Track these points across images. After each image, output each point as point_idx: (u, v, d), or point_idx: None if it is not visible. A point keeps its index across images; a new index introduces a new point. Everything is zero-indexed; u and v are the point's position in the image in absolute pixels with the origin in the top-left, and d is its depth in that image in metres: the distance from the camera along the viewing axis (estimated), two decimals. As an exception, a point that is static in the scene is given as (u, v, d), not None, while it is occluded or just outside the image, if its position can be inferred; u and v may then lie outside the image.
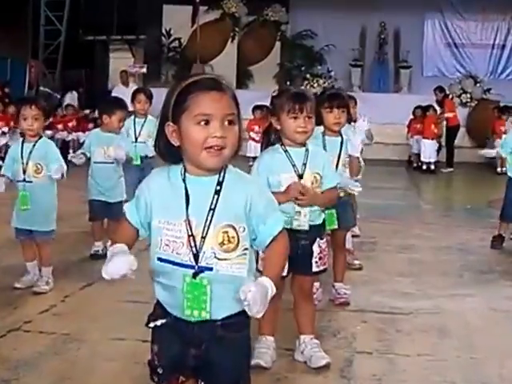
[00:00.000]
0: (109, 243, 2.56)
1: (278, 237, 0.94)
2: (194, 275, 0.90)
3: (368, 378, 1.52)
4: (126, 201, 2.21)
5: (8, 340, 1.70)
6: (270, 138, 1.56)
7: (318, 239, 1.54)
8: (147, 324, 0.97)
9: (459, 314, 2.00)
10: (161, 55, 8.84)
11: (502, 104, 7.07)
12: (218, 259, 0.90)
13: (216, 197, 0.91)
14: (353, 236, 2.63)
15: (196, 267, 0.90)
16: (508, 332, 1.88)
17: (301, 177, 1.50)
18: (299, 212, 1.48)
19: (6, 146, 6.00)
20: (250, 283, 0.88)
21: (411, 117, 7.05)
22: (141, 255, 0.94)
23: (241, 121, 0.93)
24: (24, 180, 2.08)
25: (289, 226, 1.48)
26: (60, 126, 6.96)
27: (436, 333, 1.83)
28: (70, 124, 7.09)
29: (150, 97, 2.99)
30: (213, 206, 0.90)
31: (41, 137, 2.12)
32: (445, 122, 6.80)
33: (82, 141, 3.08)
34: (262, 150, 1.60)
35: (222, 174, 0.92)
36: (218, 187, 0.91)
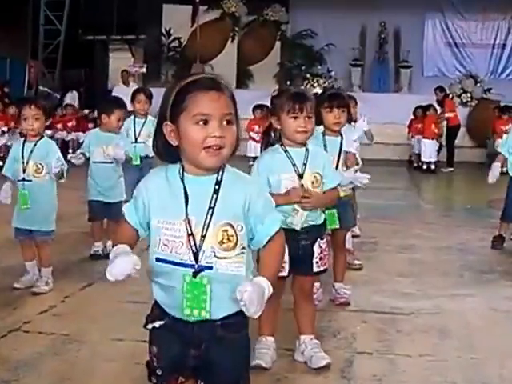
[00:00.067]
0: (108, 243, 2.57)
1: (275, 237, 0.95)
2: (194, 274, 0.90)
3: (368, 379, 1.52)
4: (126, 201, 2.22)
5: (8, 340, 1.70)
6: (270, 138, 1.57)
7: (318, 239, 1.54)
8: (145, 325, 0.97)
9: (460, 315, 2.00)
10: (160, 55, 8.84)
11: (502, 104, 7.07)
12: (218, 258, 0.90)
13: (215, 196, 0.91)
14: (353, 236, 2.63)
15: (196, 266, 0.90)
16: (508, 332, 1.88)
17: (301, 176, 1.50)
18: (297, 210, 1.48)
19: (6, 146, 6.02)
20: (246, 283, 0.88)
21: (412, 117, 7.05)
22: (142, 255, 0.93)
23: (238, 120, 0.93)
24: (23, 179, 2.08)
25: (291, 227, 1.48)
26: (59, 126, 6.96)
27: (436, 333, 1.83)
28: (69, 124, 7.09)
29: (149, 97, 2.99)
30: (212, 205, 0.90)
31: (42, 136, 2.12)
32: (445, 122, 6.80)
33: (81, 141, 3.07)
34: (262, 150, 1.60)
35: (220, 174, 0.92)
36: (217, 186, 0.91)
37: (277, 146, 1.53)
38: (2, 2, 7.24)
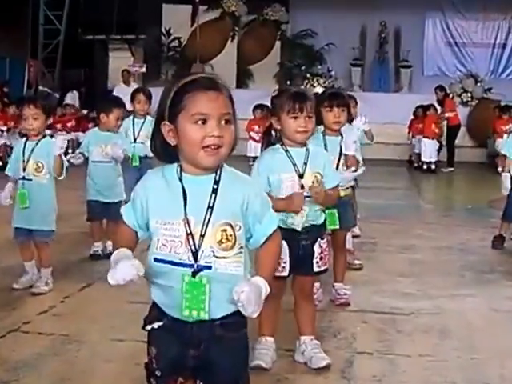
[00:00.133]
0: (108, 243, 2.56)
1: (273, 236, 0.95)
2: (194, 274, 0.90)
3: (368, 379, 1.52)
4: (126, 201, 2.22)
5: (7, 341, 1.69)
6: (271, 138, 1.56)
7: (318, 239, 1.54)
8: (144, 327, 0.96)
9: (460, 315, 2.00)
10: (160, 55, 8.83)
11: (502, 103, 7.04)
12: (217, 257, 0.90)
13: (214, 195, 0.91)
14: (353, 236, 2.63)
15: (195, 266, 0.90)
16: (509, 332, 1.88)
17: (301, 176, 1.50)
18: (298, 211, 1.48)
19: (5, 146, 6.01)
20: (243, 283, 0.88)
21: (412, 116, 7.04)
22: (142, 255, 0.93)
23: (236, 120, 0.93)
24: (23, 178, 2.08)
25: (292, 227, 1.48)
26: (59, 126, 6.95)
27: (437, 333, 1.83)
28: (68, 124, 7.08)
29: (149, 97, 2.98)
30: (211, 205, 0.91)
31: (44, 136, 2.12)
32: (445, 122, 6.78)
33: (81, 141, 3.07)
34: (262, 151, 1.59)
35: (218, 173, 0.92)
36: (215, 186, 0.91)
37: (277, 145, 1.53)
38: (2, 1, 7.23)
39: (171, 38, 8.80)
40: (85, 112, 7.33)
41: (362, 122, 2.19)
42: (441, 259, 2.75)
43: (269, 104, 1.75)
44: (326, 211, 1.64)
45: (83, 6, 8.57)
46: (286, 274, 1.52)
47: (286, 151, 1.51)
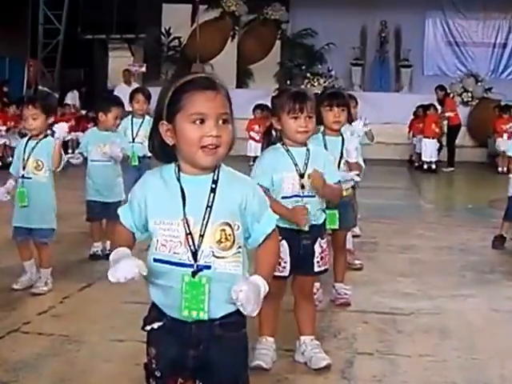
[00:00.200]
0: (108, 243, 2.56)
1: (271, 235, 0.95)
2: (193, 274, 0.90)
3: (369, 379, 1.51)
4: (126, 201, 2.21)
5: (7, 341, 1.69)
6: (271, 138, 1.56)
7: (319, 239, 1.54)
8: (143, 327, 0.96)
9: (460, 315, 2.00)
10: (160, 54, 8.82)
11: (503, 103, 7.05)
12: (216, 257, 0.90)
13: (212, 195, 0.91)
14: (353, 236, 2.62)
15: (195, 266, 0.90)
16: (509, 332, 1.88)
17: (302, 176, 1.50)
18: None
19: (5, 146, 6.00)
20: (241, 282, 0.88)
21: (412, 116, 7.03)
22: (141, 256, 0.93)
23: (233, 119, 0.93)
24: (23, 176, 2.08)
25: (293, 226, 1.48)
26: (58, 126, 6.91)
27: (437, 333, 1.83)
28: (68, 123, 7.05)
29: (148, 97, 2.99)
30: (210, 204, 0.91)
31: (47, 135, 2.12)
32: (446, 121, 6.78)
33: (80, 140, 3.08)
34: (262, 151, 1.59)
35: (216, 173, 0.93)
36: (214, 185, 0.92)
37: (278, 145, 1.53)
38: (2, 1, 7.23)
39: (171, 37, 8.78)
40: (84, 112, 7.32)
41: (361, 125, 2.19)
42: (441, 259, 2.75)
43: (269, 104, 1.74)
44: (327, 211, 1.63)
45: (83, 5, 8.57)
46: (286, 273, 1.52)
47: (287, 151, 1.51)
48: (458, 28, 9.50)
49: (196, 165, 0.91)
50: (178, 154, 0.93)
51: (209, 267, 0.90)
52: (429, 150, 6.55)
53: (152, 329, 0.94)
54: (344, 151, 1.91)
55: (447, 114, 6.74)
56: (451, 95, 7.29)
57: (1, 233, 2.52)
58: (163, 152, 0.93)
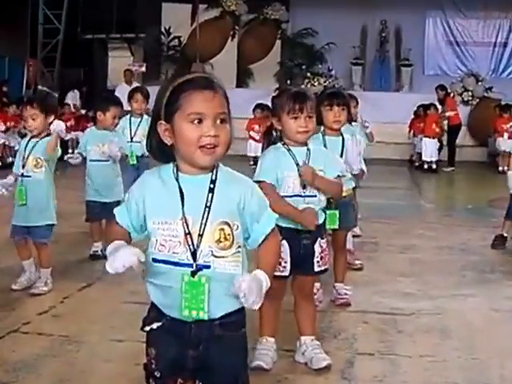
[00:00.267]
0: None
1: (270, 235, 0.95)
2: (193, 274, 0.90)
3: (369, 380, 1.51)
4: (125, 201, 2.21)
5: (6, 342, 1.69)
6: (272, 138, 1.56)
7: (319, 238, 1.54)
8: (142, 328, 0.96)
9: (461, 315, 1.99)
10: (160, 54, 8.81)
11: (503, 102, 7.03)
12: (215, 257, 0.91)
13: (210, 194, 0.91)
14: (354, 236, 2.62)
15: (194, 265, 0.90)
16: (510, 332, 1.87)
17: (303, 176, 1.50)
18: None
19: (4, 146, 5.99)
20: (244, 275, 0.89)
21: (412, 116, 7.02)
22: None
23: (231, 119, 0.93)
24: (22, 175, 2.09)
25: (295, 226, 1.48)
26: (58, 125, 6.90)
27: (437, 333, 1.83)
28: (68, 123, 7.06)
29: (146, 96, 2.98)
30: (208, 204, 0.91)
31: (48, 135, 2.11)
32: (446, 121, 6.77)
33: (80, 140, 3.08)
34: (263, 151, 1.59)
35: (214, 172, 0.93)
36: (212, 185, 0.92)
37: (279, 144, 1.53)
38: (1, 0, 7.22)
39: (171, 37, 8.77)
40: (83, 111, 7.32)
41: (363, 131, 2.17)
42: (442, 259, 2.74)
43: (269, 103, 1.74)
44: (327, 211, 1.63)
45: (82, 5, 8.55)
46: (286, 273, 1.52)
47: (289, 150, 1.51)
48: (458, 27, 9.49)
49: (194, 164, 0.91)
50: (177, 154, 0.93)
51: (208, 267, 0.90)
52: (429, 149, 6.54)
53: (151, 329, 0.94)
54: (344, 154, 1.91)
55: (448, 114, 6.73)
56: (452, 95, 7.28)
57: (1, 233, 2.51)
58: (161, 152, 0.93)
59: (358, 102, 3.03)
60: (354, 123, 2.48)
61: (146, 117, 2.91)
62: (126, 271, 0.85)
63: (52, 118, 2.17)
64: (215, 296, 0.90)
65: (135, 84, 6.32)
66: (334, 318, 1.91)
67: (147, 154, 0.95)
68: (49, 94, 7.64)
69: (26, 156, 2.09)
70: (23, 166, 2.08)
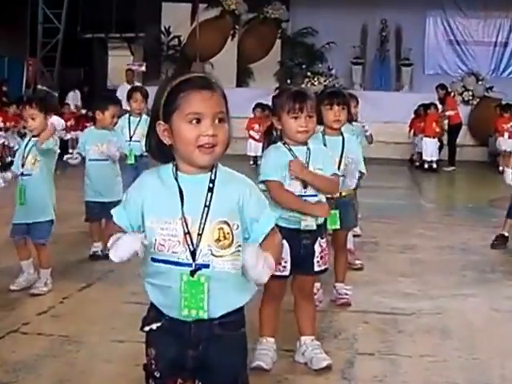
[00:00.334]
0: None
1: (271, 234, 0.95)
2: (192, 273, 0.90)
3: (369, 380, 1.51)
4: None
5: (6, 342, 1.69)
6: (272, 137, 1.56)
7: (319, 238, 1.54)
8: (142, 328, 0.96)
9: (461, 315, 1.99)
10: (160, 53, 8.81)
11: (504, 102, 7.02)
12: (215, 256, 0.91)
13: (210, 194, 0.91)
14: (354, 236, 2.62)
15: (193, 265, 0.90)
16: (510, 332, 1.87)
17: (303, 175, 1.49)
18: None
19: (3, 146, 5.99)
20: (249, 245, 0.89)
21: (413, 115, 7.01)
22: (139, 256, 0.92)
23: (229, 118, 0.93)
24: (22, 174, 2.10)
25: (295, 227, 1.48)
26: (58, 125, 6.89)
27: (438, 333, 1.82)
28: (68, 123, 7.06)
29: (146, 96, 2.98)
30: (207, 203, 0.91)
31: None
32: (446, 121, 6.76)
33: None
34: (263, 151, 1.59)
35: (213, 172, 0.93)
36: (211, 184, 0.92)
37: (279, 143, 1.53)
38: (1, 0, 7.21)
39: (171, 36, 8.77)
40: (83, 111, 7.32)
41: (363, 133, 2.17)
42: (442, 259, 2.74)
43: (269, 103, 1.74)
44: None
45: (82, 4, 8.56)
46: (287, 273, 1.51)
47: (290, 150, 1.51)
48: (458, 27, 9.48)
49: (193, 164, 0.92)
50: (175, 154, 0.93)
51: (207, 266, 0.90)
52: (429, 149, 6.54)
53: (151, 329, 0.94)
54: (347, 147, 1.91)
55: (448, 113, 6.72)
56: (452, 94, 7.28)
57: (1, 233, 2.51)
58: (160, 152, 0.93)
59: (358, 102, 3.02)
60: (354, 123, 2.47)
61: (144, 116, 2.91)
62: (131, 257, 0.85)
63: (52, 117, 2.16)
64: (215, 295, 0.90)
65: (136, 83, 6.32)
66: (334, 318, 1.91)
67: (146, 153, 0.95)
68: (48, 93, 7.64)
69: (25, 155, 2.10)
70: (22, 165, 2.09)
